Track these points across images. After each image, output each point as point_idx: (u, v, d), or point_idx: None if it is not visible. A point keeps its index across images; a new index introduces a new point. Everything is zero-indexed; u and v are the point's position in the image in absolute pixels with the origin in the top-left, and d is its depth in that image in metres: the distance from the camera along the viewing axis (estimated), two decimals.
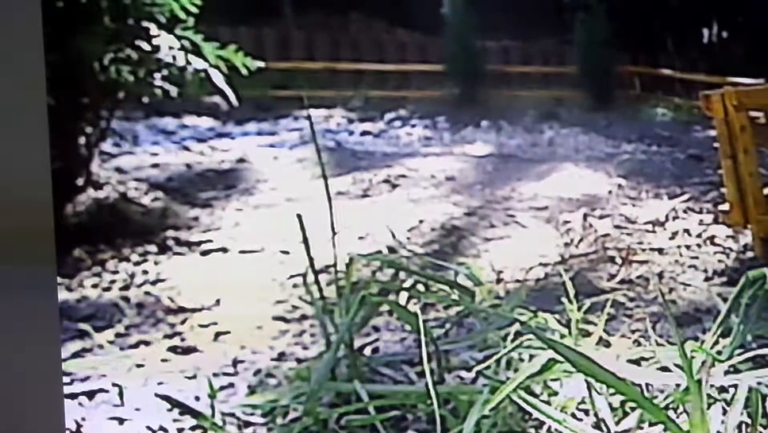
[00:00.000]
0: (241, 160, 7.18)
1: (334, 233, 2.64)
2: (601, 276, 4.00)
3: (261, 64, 5.73)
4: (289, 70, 14.14)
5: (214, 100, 11.58)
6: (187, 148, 8.01)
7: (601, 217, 5.16)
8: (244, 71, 5.63)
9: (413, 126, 11.79)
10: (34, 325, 0.79)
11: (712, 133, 4.59)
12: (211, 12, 13.52)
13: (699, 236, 4.69)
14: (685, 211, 5.26)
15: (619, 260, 4.26)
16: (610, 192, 5.84)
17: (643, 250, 4.49)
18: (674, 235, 4.75)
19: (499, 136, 11.51)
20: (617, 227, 5.03)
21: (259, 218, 5.54)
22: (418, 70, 14.89)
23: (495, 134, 11.55)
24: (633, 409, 1.95)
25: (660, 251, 4.48)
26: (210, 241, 4.91)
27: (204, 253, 4.74)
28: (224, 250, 4.78)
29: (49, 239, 0.79)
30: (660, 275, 3.99)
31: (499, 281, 3.95)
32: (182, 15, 5.36)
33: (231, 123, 11.00)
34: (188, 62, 5.30)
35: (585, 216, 5.11)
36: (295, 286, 4.03)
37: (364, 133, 10.85)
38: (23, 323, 0.78)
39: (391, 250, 4.51)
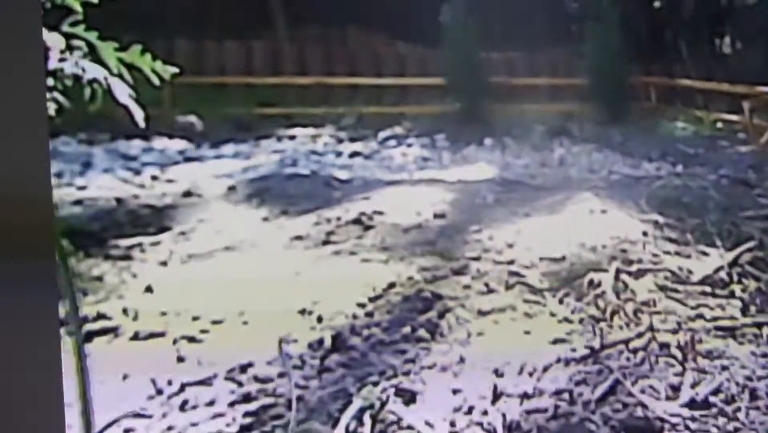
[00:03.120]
0: (187, 194, 5.69)
1: None
2: (655, 391, 2.47)
3: (174, 70, 4.18)
4: (278, 86, 12.69)
5: (189, 119, 10.15)
6: (126, 180, 6.49)
7: (638, 273, 3.64)
8: (155, 80, 4.09)
9: (409, 145, 10.28)
10: (34, 322, 0.76)
11: (743, 149, 3.08)
12: (191, 24, 12.05)
13: None
14: (752, 264, 3.73)
15: (677, 354, 2.75)
16: (645, 234, 4.32)
17: (708, 331, 2.97)
18: (747, 306, 3.23)
19: (504, 154, 10.00)
20: (662, 288, 3.51)
21: (183, 279, 4.06)
22: (417, 84, 13.39)
23: (500, 153, 10.04)
24: None
25: (732, 333, 2.97)
26: (103, 317, 3.43)
27: (87, 337, 3.26)
28: (114, 332, 3.29)
29: (49, 236, 0.77)
30: (743, 387, 2.47)
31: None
32: (75, 5, 3.87)
33: (206, 145, 9.54)
34: (82, 69, 3.84)
35: (617, 273, 3.59)
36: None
37: (354, 154, 9.36)
38: (23, 319, 0.75)
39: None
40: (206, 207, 5.39)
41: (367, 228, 4.57)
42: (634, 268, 3.65)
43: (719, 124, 11.40)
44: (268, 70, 13.41)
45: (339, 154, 9.35)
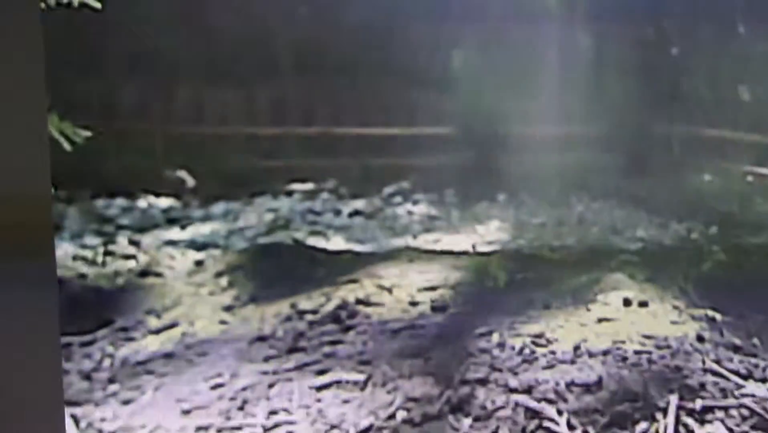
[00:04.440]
0: (144, 274, 4.72)
1: None
2: None
3: (87, 133, 3.23)
4: (281, 136, 11.79)
5: (179, 174, 9.24)
6: (82, 258, 5.49)
7: (703, 415, 2.60)
8: (66, 146, 3.10)
9: (416, 202, 9.31)
10: (34, 320, 0.75)
11: None
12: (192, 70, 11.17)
13: None
14: None
15: None
16: (701, 339, 3.28)
17: None
18: None
19: (518, 212, 9.01)
20: None
21: (108, 396, 3.06)
22: (426, 133, 12.45)
23: (513, 210, 9.05)
24: None
25: None
26: None
27: None
28: None
29: (48, 235, 0.76)
30: None
31: None
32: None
33: (195, 203, 8.60)
34: None
35: (678, 415, 2.55)
36: None
37: (354, 213, 8.39)
38: (22, 317, 0.74)
39: None
40: (161, 291, 4.40)
41: (347, 329, 3.55)
42: (697, 404, 2.60)
43: (749, 178, 10.35)
44: (271, 119, 12.53)
45: (338, 212, 8.39)
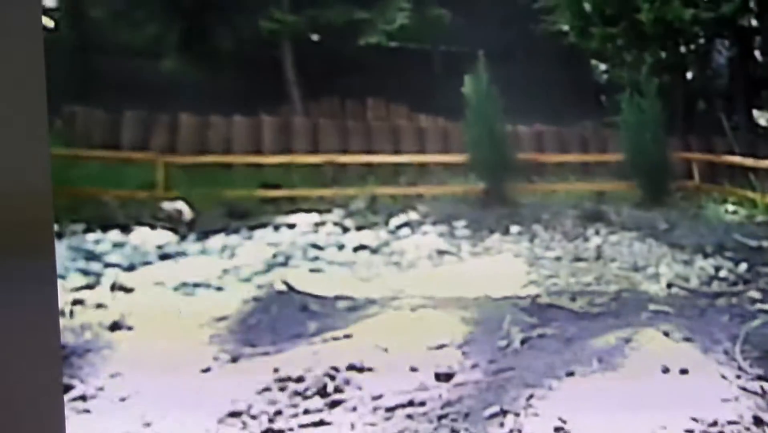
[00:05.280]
0: (115, 327, 4.15)
1: None
2: None
3: None
4: (285, 165, 11.26)
5: (177, 206, 8.70)
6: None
7: None
8: None
9: (425, 234, 8.72)
10: (33, 318, 0.73)
11: None
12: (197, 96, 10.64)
13: None
14: None
15: None
16: (759, 422, 2.68)
17: None
18: None
19: (532, 245, 8.40)
20: None
21: None
22: (437, 161, 11.89)
23: (527, 243, 8.44)
24: None
25: None
26: None
27: None
28: None
29: (49, 231, 0.74)
30: None
31: None
32: None
33: (192, 237, 8.05)
34: None
35: None
36: None
37: (359, 248, 7.80)
38: (22, 316, 0.72)
39: None
40: (131, 349, 3.83)
41: (334, 404, 2.96)
42: None
43: None
44: (278, 147, 12.02)
45: (341, 247, 7.81)
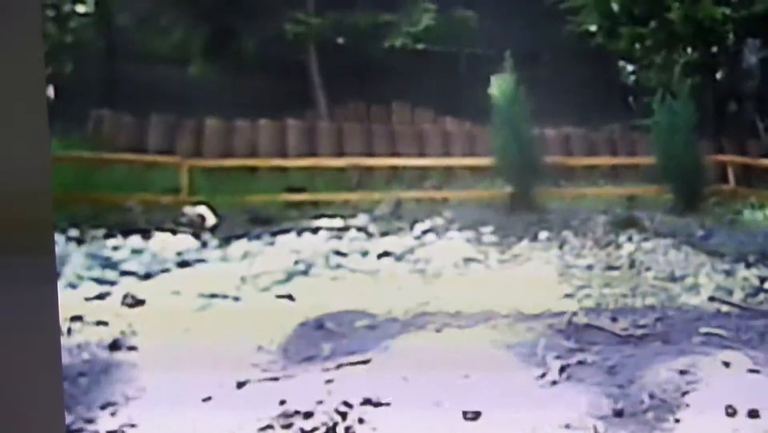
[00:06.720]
0: (115, 346, 3.74)
1: None
2: None
3: None
4: (310, 169, 10.84)
5: (198, 210, 8.31)
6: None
7: None
8: None
9: (450, 239, 8.24)
10: (34, 317, 0.71)
11: None
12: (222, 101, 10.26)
13: None
14: None
15: None
16: None
17: None
18: None
19: (562, 252, 7.88)
20: None
21: None
22: (463, 165, 11.41)
23: (557, 250, 7.92)
24: None
25: None
26: None
27: None
28: None
29: (49, 231, 0.72)
30: None
31: None
32: None
33: (213, 243, 7.65)
34: None
35: None
36: None
37: (383, 254, 7.35)
38: (22, 315, 0.70)
39: None
40: (128, 374, 3.41)
41: None
42: None
43: None
44: (303, 151, 11.61)
45: (365, 254, 7.36)
